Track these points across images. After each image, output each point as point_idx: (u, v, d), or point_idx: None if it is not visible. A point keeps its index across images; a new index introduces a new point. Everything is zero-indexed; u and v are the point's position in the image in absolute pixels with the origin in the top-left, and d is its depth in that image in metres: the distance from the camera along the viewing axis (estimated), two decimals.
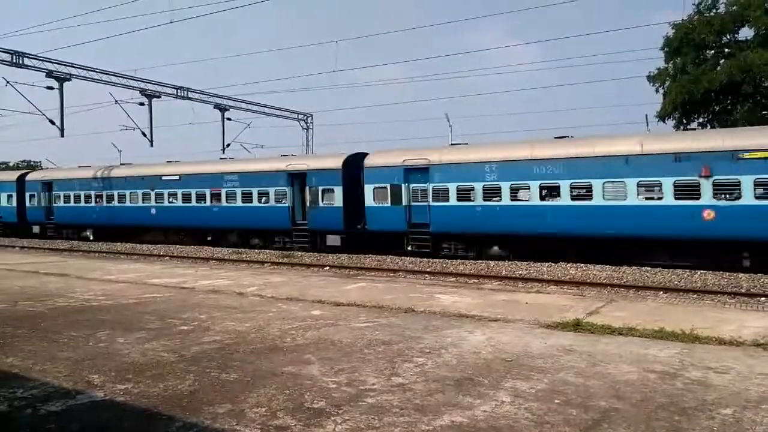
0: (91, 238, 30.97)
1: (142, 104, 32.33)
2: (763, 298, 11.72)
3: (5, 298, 11.00)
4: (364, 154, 22.69)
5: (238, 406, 4.88)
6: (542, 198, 17.96)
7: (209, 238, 26.91)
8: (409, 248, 20.83)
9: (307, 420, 4.56)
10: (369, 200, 21.61)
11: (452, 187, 19.69)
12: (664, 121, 29.88)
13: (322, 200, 22.94)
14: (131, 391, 5.33)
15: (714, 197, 15.22)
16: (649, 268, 15.73)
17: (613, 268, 16.08)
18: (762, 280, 13.66)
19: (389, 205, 21.06)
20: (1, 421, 4.64)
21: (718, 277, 14.38)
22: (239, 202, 25.21)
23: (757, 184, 14.73)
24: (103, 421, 4.63)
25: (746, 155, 14.84)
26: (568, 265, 17.00)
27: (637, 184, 16.42)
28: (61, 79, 28.34)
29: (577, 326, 7.98)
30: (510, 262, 17.86)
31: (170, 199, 27.47)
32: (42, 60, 27.93)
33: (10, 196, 34.79)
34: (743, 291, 12.72)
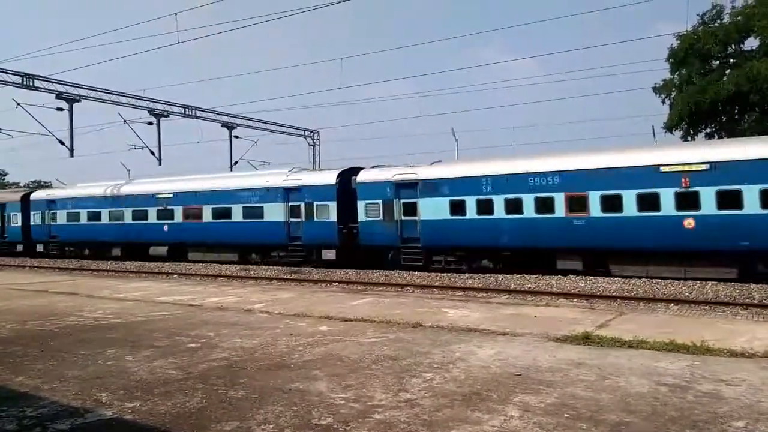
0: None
1: (150, 124, 32.63)
2: None
3: (15, 318, 11.05)
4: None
5: (245, 424, 4.86)
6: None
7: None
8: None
9: None
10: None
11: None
12: (671, 132, 29.87)
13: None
14: (139, 409, 5.32)
15: None
16: (660, 280, 15.61)
17: (623, 280, 15.97)
18: None
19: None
20: None
21: (729, 289, 14.24)
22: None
23: None
24: None
25: None
26: (578, 277, 16.91)
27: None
28: (71, 101, 28.65)
29: (586, 339, 7.92)
30: (519, 276, 17.79)
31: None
32: (52, 81, 28.26)
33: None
34: (755, 302, 12.58)
